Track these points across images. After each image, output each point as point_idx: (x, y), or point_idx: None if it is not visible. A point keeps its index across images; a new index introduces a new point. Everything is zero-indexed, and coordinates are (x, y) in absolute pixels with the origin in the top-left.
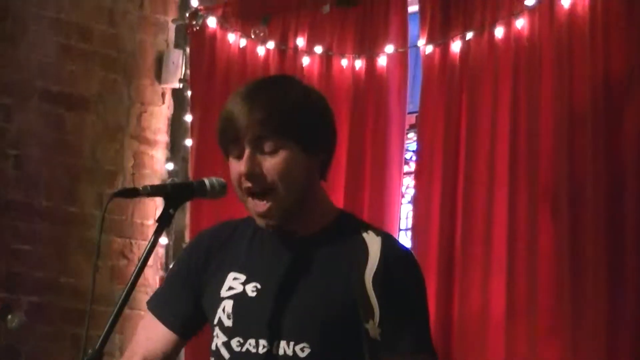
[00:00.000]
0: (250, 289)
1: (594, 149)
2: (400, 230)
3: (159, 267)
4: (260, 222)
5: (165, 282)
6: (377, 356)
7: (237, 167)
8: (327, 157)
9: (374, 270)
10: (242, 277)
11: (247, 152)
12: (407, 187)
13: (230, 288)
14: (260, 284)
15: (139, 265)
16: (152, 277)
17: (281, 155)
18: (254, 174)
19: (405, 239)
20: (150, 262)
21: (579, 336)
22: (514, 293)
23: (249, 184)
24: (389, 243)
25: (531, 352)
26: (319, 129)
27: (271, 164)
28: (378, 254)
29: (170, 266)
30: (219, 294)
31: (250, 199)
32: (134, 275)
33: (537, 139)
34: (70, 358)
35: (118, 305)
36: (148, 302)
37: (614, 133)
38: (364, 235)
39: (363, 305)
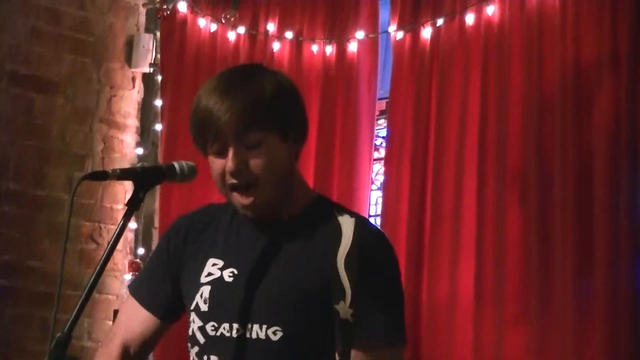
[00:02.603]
0: (227, 274)
1: (563, 137)
2: (369, 216)
3: (128, 251)
4: (245, 212)
5: (146, 268)
6: (349, 338)
7: (220, 163)
8: (303, 141)
9: (346, 251)
10: (220, 263)
11: (232, 149)
12: (376, 173)
13: (209, 274)
14: (237, 270)
15: (107, 249)
16: (121, 262)
17: (264, 149)
18: (241, 170)
19: None
20: (119, 246)
21: (546, 323)
22: (482, 280)
23: (234, 180)
24: (362, 224)
25: (499, 339)
26: (295, 118)
27: (256, 158)
28: (351, 235)
29: (139, 250)
30: (199, 279)
31: (234, 193)
32: (102, 259)
33: (506, 126)
34: (39, 342)
35: (87, 289)
36: (129, 286)
37: (582, 121)
38: (339, 217)
39: (334, 286)
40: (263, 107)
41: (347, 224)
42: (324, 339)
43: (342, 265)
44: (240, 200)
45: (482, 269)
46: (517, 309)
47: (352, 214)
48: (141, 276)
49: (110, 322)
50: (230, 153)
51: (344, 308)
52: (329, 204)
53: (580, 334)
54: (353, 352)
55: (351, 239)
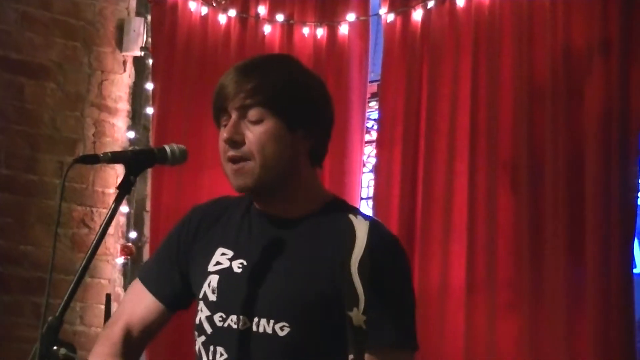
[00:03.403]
0: (237, 265)
1: (554, 122)
2: (361, 199)
3: (120, 235)
4: (234, 182)
5: (155, 254)
6: (362, 345)
7: (223, 134)
8: (317, 141)
9: (360, 256)
10: (230, 253)
11: (232, 118)
12: (368, 156)
13: (218, 263)
14: (247, 261)
15: (99, 233)
16: (113, 246)
17: (263, 127)
18: (235, 140)
19: (366, 208)
20: (110, 230)
21: (537, 310)
22: (473, 266)
23: (231, 152)
24: (376, 229)
25: (490, 326)
26: (307, 110)
27: (252, 133)
28: (365, 239)
29: (131, 234)
30: (207, 268)
31: (229, 163)
32: (94, 243)
33: (497, 111)
34: (31, 327)
35: (78, 274)
36: (139, 272)
37: (573, 107)
38: (352, 219)
39: (347, 292)
40: (272, 86)
41: (361, 227)
42: (332, 340)
43: (356, 271)
44: (232, 167)
45: (473, 256)
46: (509, 297)
47: (367, 217)
48: (150, 263)
49: (103, 307)
50: (230, 122)
51: (357, 315)
52: (344, 205)
53: (572, 321)
54: (366, 357)
55: (365, 243)
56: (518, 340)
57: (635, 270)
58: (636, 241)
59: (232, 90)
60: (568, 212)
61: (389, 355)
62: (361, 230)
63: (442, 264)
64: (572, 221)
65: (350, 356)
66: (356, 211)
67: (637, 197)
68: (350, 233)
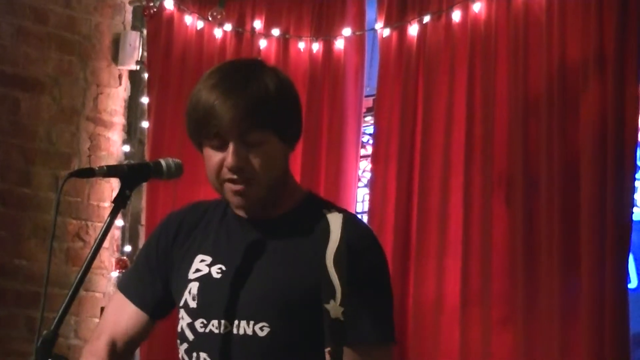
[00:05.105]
0: (216, 271)
1: (549, 136)
2: (356, 213)
3: (115, 249)
4: (236, 202)
5: (135, 264)
6: (339, 337)
7: (218, 157)
8: (297, 141)
9: (335, 249)
10: (209, 259)
11: (233, 147)
12: (363, 171)
13: (197, 270)
14: (225, 266)
15: (94, 247)
16: (108, 260)
17: (264, 148)
18: (241, 167)
19: None
20: (106, 244)
21: (532, 325)
22: (468, 280)
23: (232, 176)
24: (350, 221)
25: (485, 340)
26: (293, 117)
27: (256, 157)
28: (339, 232)
29: (126, 248)
30: (187, 276)
31: (227, 183)
32: (89, 257)
33: (492, 125)
34: (25, 341)
35: (73, 287)
36: (118, 283)
37: (569, 121)
38: (327, 214)
39: (324, 285)
40: (266, 106)
41: (335, 221)
42: (312, 336)
43: (331, 264)
44: (232, 187)
45: (468, 270)
46: (504, 310)
47: (340, 210)
48: (130, 272)
49: (97, 320)
50: (231, 150)
51: (334, 307)
52: (318, 201)
53: (566, 335)
54: (344, 350)
55: (339, 236)
56: (513, 354)
57: (629, 286)
58: (631, 256)
59: (227, 117)
60: (563, 227)
61: (369, 351)
62: (335, 223)
63: (437, 278)
64: (567, 236)
65: (328, 349)
66: (330, 205)
67: (633, 213)
68: (325, 227)
